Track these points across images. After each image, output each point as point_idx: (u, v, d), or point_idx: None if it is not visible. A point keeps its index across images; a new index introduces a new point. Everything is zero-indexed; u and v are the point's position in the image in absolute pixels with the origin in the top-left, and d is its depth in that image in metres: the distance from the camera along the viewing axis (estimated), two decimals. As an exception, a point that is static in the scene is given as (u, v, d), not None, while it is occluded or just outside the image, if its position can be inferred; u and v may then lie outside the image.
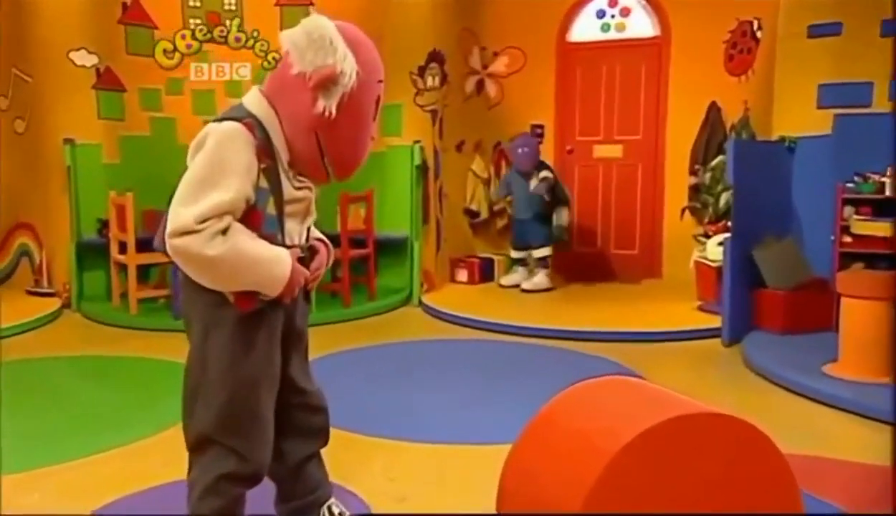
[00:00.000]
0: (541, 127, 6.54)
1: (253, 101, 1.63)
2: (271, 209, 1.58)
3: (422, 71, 5.78)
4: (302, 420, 1.82)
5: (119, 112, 5.73)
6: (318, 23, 1.58)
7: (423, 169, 5.73)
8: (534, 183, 5.76)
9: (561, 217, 5.82)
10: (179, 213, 1.47)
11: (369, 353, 4.22)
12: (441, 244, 6.09)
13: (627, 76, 6.32)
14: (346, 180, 1.72)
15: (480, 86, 6.56)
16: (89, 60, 5.53)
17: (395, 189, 5.77)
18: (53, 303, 5.28)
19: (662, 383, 3.57)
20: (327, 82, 1.55)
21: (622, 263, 6.40)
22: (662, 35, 6.18)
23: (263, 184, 1.55)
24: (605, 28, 6.38)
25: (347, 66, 1.56)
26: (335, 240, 5.19)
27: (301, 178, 1.66)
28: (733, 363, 3.98)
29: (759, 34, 5.47)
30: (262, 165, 1.55)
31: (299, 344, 1.82)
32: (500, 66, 6.54)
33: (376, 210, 5.56)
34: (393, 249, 5.76)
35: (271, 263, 1.55)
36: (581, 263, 6.45)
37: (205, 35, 5.94)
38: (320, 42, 1.56)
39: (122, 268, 5.16)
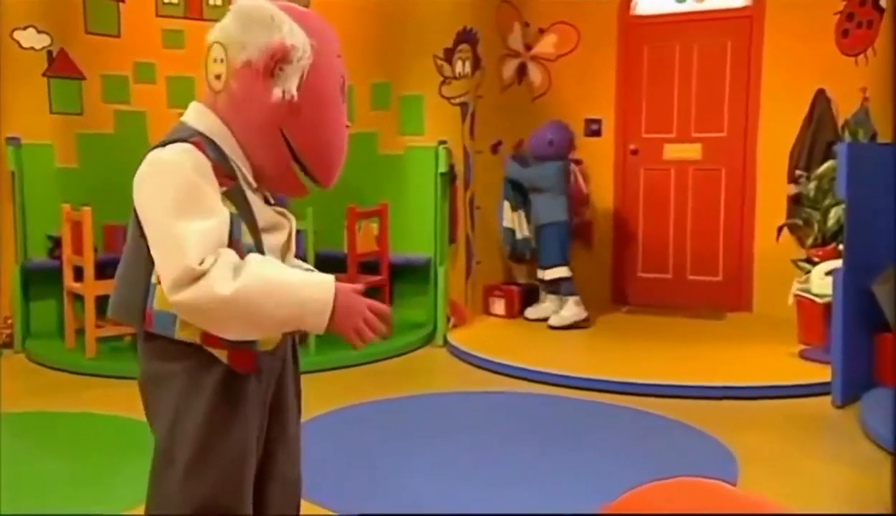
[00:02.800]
0: (597, 121, 6.52)
1: (195, 116, 1.64)
2: (247, 237, 1.58)
3: (449, 54, 5.76)
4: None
5: (76, 105, 5.75)
6: (248, 4, 1.61)
7: (449, 176, 5.71)
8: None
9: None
10: (172, 261, 1.46)
11: (381, 410, 4.17)
12: (472, 268, 6.05)
13: (709, 57, 6.27)
14: (329, 184, 1.73)
15: (522, 71, 6.55)
16: (39, 41, 5.54)
17: (414, 201, 5.75)
18: (-9, 342, 5.30)
19: (755, 455, 3.56)
20: (279, 61, 1.58)
21: (702, 293, 6.35)
22: (755, 5, 6.13)
23: (231, 208, 1.56)
24: (681, -3, 6.35)
25: (298, 39, 1.59)
26: (341, 264, 5.26)
27: (274, 206, 1.69)
28: (848, 431, 3.86)
29: (882, 2, 5.37)
30: (224, 188, 1.56)
31: (289, 417, 1.79)
32: (546, 46, 6.52)
33: (392, 227, 5.55)
34: (412, 275, 5.75)
35: (305, 285, 1.53)
36: (649, 292, 6.39)
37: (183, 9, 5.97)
38: (260, 21, 1.59)
39: (79, 298, 5.15)
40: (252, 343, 1.59)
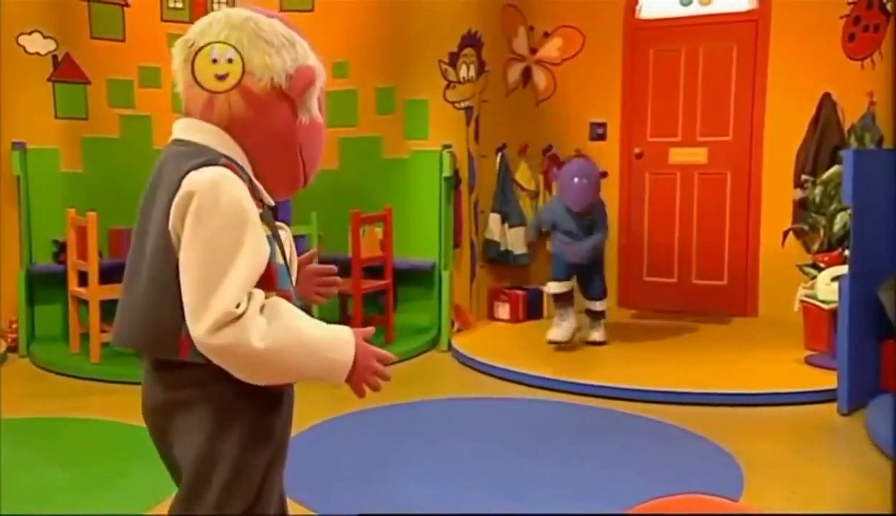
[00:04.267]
0: (602, 125, 6.49)
1: (207, 134, 1.54)
2: (278, 258, 1.55)
3: (454, 58, 5.74)
4: None
5: (81, 109, 5.75)
6: (258, 20, 1.54)
7: (454, 180, 5.69)
8: (579, 244, 5.28)
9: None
10: (211, 300, 1.39)
11: (384, 415, 4.13)
12: (476, 272, 6.03)
13: (714, 61, 6.25)
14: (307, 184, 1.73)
15: (527, 75, 6.53)
16: (44, 46, 5.55)
17: (419, 205, 5.74)
18: (-3, 346, 5.30)
19: (760, 463, 3.52)
20: (309, 87, 1.56)
21: (707, 297, 6.32)
22: (761, 8, 6.10)
23: (266, 230, 1.52)
24: (687, 0, 6.32)
25: (312, 60, 1.58)
26: (345, 268, 5.24)
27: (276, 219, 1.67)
28: (854, 438, 3.83)
29: (889, 6, 5.35)
30: (259, 211, 1.52)
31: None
32: (551, 50, 6.50)
33: (396, 231, 5.52)
34: (416, 280, 5.73)
35: (330, 347, 1.52)
36: (654, 296, 6.36)
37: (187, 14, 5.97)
38: (278, 41, 1.54)
39: (84, 303, 5.14)
40: None
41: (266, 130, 1.54)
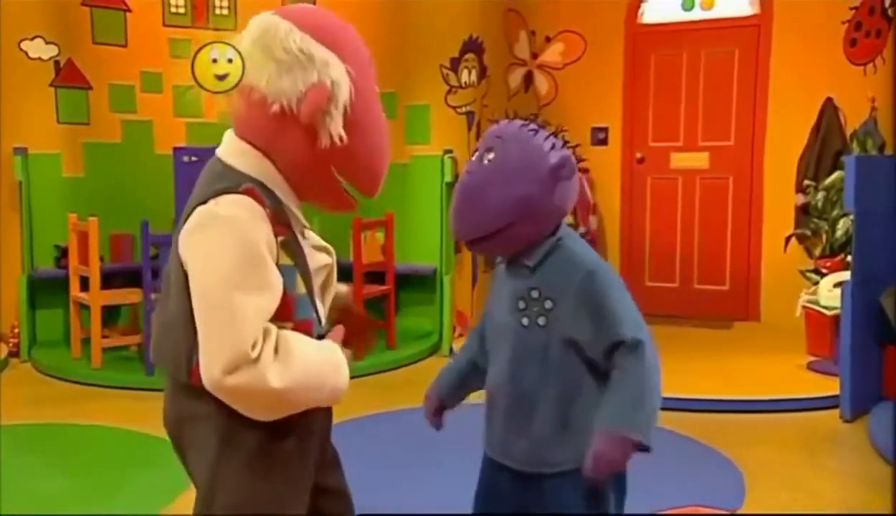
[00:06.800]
0: (604, 130, 6.49)
1: (239, 156, 1.50)
2: (301, 289, 1.50)
3: (455, 64, 5.73)
4: None
5: (83, 114, 5.75)
6: (274, 34, 1.45)
7: (455, 185, 5.65)
8: None
9: None
10: (224, 342, 1.35)
11: (386, 421, 4.12)
12: (478, 277, 6.01)
13: (716, 66, 6.24)
14: (375, 194, 1.63)
15: (528, 80, 6.52)
16: (46, 52, 5.55)
17: (420, 210, 5.73)
18: (-1, 350, 5.30)
19: (762, 470, 3.50)
20: (324, 108, 1.45)
21: (709, 302, 6.32)
22: (762, 13, 6.10)
23: (286, 260, 1.46)
24: (688, 5, 6.34)
25: (335, 73, 1.46)
26: (347, 273, 5.22)
27: (316, 239, 1.61)
28: (856, 445, 3.81)
29: (891, 12, 5.33)
30: (281, 238, 1.45)
31: (335, 463, 1.78)
32: (553, 54, 6.50)
33: (398, 237, 5.52)
34: (418, 285, 5.73)
35: (335, 374, 1.50)
36: (656, 301, 6.33)
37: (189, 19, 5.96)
38: (289, 58, 1.44)
39: (85, 308, 5.14)
40: None
41: (287, 154, 1.48)
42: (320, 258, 1.59)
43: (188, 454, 1.57)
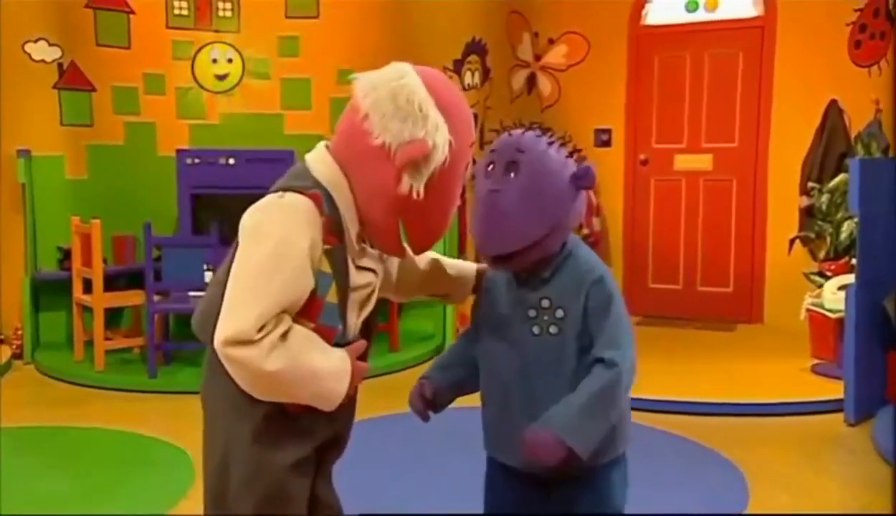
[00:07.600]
0: (607, 132, 6.49)
1: (320, 164, 1.65)
2: (332, 297, 1.62)
3: (458, 65, 5.74)
4: None
5: (86, 116, 5.76)
6: (405, 83, 1.59)
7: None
8: None
9: None
10: (237, 315, 1.51)
11: (388, 425, 4.11)
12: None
13: (720, 67, 6.24)
14: (422, 253, 1.81)
15: (532, 82, 6.53)
16: (50, 54, 5.57)
17: (423, 212, 5.70)
18: (1, 352, 5.28)
19: (765, 474, 3.49)
20: (418, 161, 1.58)
21: (712, 304, 6.31)
22: (767, 14, 6.09)
23: (326, 268, 1.59)
24: (692, 6, 6.34)
25: (440, 138, 1.59)
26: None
27: (369, 258, 1.71)
28: (860, 449, 3.79)
29: (895, 14, 5.32)
30: (327, 246, 1.59)
31: (335, 453, 1.89)
32: (556, 56, 6.51)
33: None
34: (421, 287, 5.70)
35: (331, 378, 1.61)
36: (659, 303, 6.34)
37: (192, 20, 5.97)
38: (408, 109, 1.58)
39: (88, 310, 5.14)
40: None
41: (366, 182, 1.61)
42: (365, 277, 1.70)
43: (206, 422, 1.72)
